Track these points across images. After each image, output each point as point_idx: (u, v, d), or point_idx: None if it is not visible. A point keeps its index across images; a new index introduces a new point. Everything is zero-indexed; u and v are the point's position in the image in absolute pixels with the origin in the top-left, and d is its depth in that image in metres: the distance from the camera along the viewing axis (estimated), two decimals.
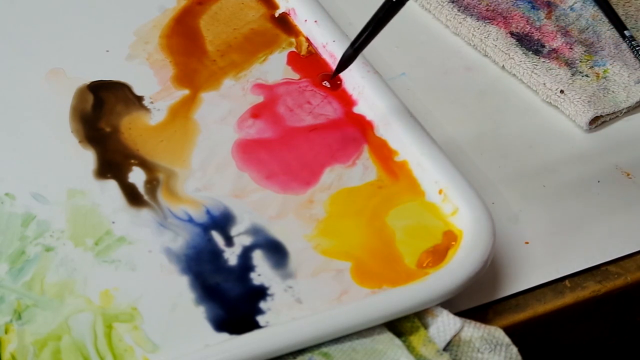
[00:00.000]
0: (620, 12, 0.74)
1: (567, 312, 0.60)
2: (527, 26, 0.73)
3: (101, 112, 0.65)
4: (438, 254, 0.58)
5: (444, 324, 0.56)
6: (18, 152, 0.63)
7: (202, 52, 0.70)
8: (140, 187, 0.61)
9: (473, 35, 0.73)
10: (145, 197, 0.61)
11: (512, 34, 0.72)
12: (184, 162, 0.63)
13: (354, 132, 0.65)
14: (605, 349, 0.66)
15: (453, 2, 0.74)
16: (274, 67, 0.69)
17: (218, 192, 0.61)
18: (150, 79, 0.68)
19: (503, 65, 0.72)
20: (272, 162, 0.63)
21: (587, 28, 0.73)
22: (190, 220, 0.60)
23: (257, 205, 0.61)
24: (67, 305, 0.56)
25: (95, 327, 0.55)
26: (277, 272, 0.58)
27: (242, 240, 0.59)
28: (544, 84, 0.70)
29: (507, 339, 0.56)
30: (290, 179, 0.62)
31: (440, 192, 0.61)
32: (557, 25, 0.73)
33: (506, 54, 0.71)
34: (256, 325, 0.55)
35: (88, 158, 0.63)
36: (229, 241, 0.59)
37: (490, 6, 0.74)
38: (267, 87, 0.68)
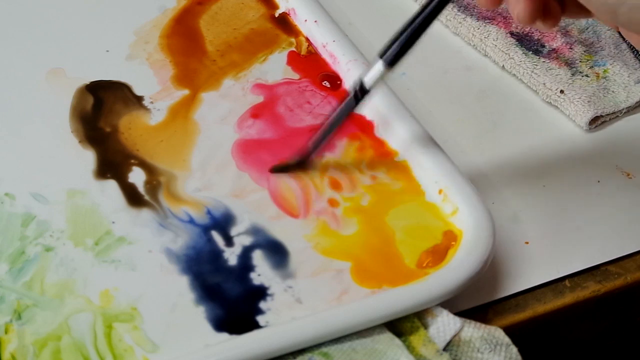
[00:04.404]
0: None
1: (567, 312, 0.60)
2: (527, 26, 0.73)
3: (101, 112, 0.65)
4: (438, 254, 0.58)
5: (444, 324, 0.56)
6: (18, 152, 0.63)
7: (202, 52, 0.70)
8: (140, 187, 0.61)
9: (473, 35, 0.72)
10: (146, 197, 0.61)
11: (512, 34, 0.72)
12: (184, 162, 0.63)
13: (354, 132, 0.65)
14: (605, 349, 0.65)
15: (453, 2, 0.74)
16: (274, 67, 0.69)
17: (218, 192, 0.61)
18: (150, 79, 0.68)
19: (503, 65, 0.72)
20: (272, 162, 0.63)
21: (587, 28, 0.73)
22: (191, 221, 0.60)
23: (257, 205, 0.61)
24: (67, 305, 0.56)
25: (95, 327, 0.55)
26: (277, 272, 0.58)
27: (242, 240, 0.59)
28: (544, 84, 0.70)
29: (507, 339, 0.56)
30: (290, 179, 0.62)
31: (440, 192, 0.61)
32: (557, 25, 0.73)
33: (506, 54, 0.71)
34: (256, 325, 0.55)
35: (88, 158, 0.63)
36: (229, 241, 0.59)
37: None
38: (267, 87, 0.68)
